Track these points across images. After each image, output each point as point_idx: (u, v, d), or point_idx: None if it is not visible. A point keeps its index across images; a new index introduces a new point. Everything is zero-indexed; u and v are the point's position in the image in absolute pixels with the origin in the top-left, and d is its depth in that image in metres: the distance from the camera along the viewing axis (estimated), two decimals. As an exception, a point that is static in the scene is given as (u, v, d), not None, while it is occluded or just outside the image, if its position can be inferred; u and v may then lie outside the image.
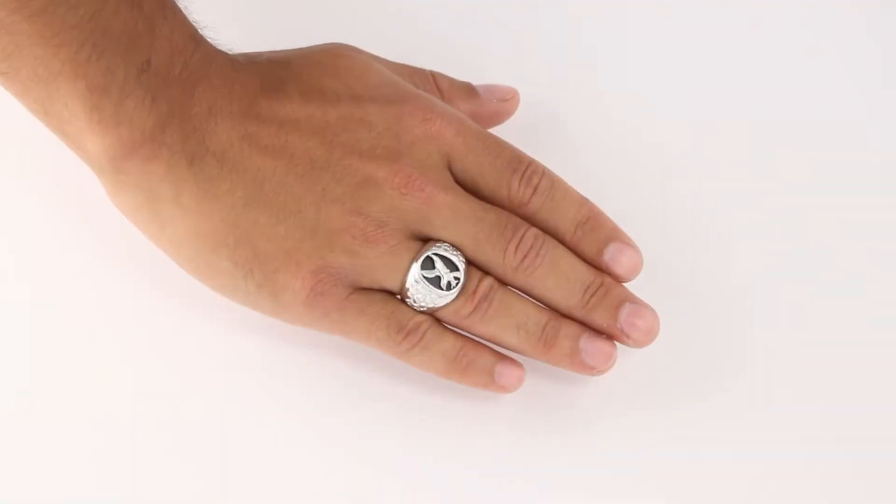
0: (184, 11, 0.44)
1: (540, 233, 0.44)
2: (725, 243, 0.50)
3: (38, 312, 0.46)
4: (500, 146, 0.45)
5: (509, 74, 0.51)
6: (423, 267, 0.43)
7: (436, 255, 0.44)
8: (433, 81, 0.49)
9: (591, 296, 0.44)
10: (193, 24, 0.44)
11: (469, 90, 0.50)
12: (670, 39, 0.55)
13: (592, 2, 0.56)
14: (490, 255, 0.44)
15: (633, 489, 0.45)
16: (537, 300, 0.45)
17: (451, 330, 0.45)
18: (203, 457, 0.44)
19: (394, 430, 0.45)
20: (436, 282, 0.43)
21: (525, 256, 0.44)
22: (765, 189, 0.51)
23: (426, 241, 0.44)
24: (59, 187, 0.48)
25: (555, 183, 0.45)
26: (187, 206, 0.43)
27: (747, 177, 0.51)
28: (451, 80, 0.49)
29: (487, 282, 0.44)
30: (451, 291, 0.44)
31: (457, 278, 0.44)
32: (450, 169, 0.45)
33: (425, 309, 0.44)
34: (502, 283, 0.45)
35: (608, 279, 0.45)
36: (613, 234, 0.45)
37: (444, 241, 0.44)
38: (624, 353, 0.45)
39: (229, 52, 0.45)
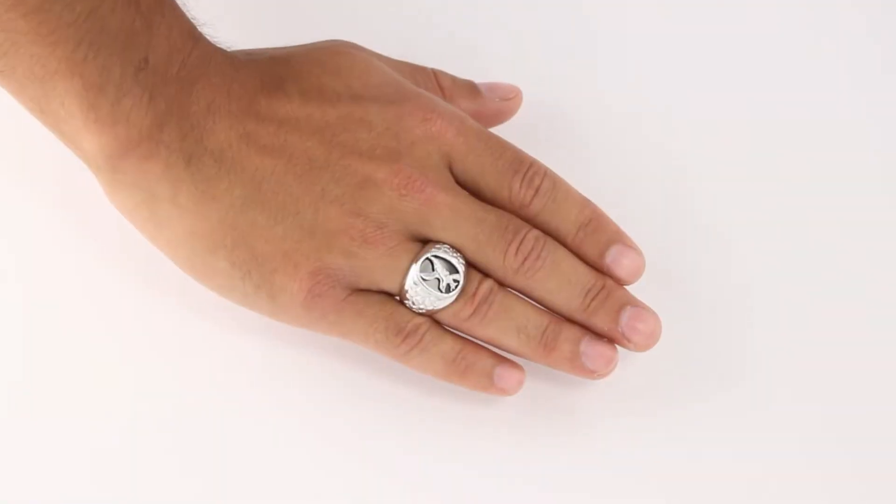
0: (182, 8, 0.43)
1: (541, 234, 0.44)
2: (728, 245, 0.49)
3: (36, 312, 0.46)
4: (502, 146, 0.44)
5: (512, 73, 0.50)
6: (423, 269, 0.43)
7: (435, 256, 0.43)
8: (435, 80, 0.48)
9: (593, 299, 0.44)
10: (192, 21, 0.43)
11: (471, 88, 0.49)
12: (671, 39, 0.55)
13: (595, 1, 0.55)
14: (490, 256, 0.43)
15: (633, 489, 0.44)
16: (538, 303, 0.44)
17: (451, 332, 0.44)
18: (203, 457, 0.44)
19: (394, 430, 0.45)
20: (435, 284, 0.43)
21: (526, 258, 0.43)
22: (765, 189, 0.51)
23: (426, 242, 0.43)
24: (57, 186, 0.48)
25: (556, 184, 0.44)
26: (185, 206, 0.42)
27: (748, 177, 0.51)
28: (453, 79, 0.49)
29: (487, 284, 0.43)
30: (451, 294, 0.43)
31: (456, 281, 0.43)
32: (450, 169, 0.44)
33: (424, 311, 0.43)
34: (503, 285, 0.44)
35: (609, 282, 0.44)
36: (615, 237, 0.44)
37: (444, 243, 0.43)
38: (624, 356, 0.45)
39: (228, 50, 0.44)
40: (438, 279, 0.43)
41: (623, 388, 0.46)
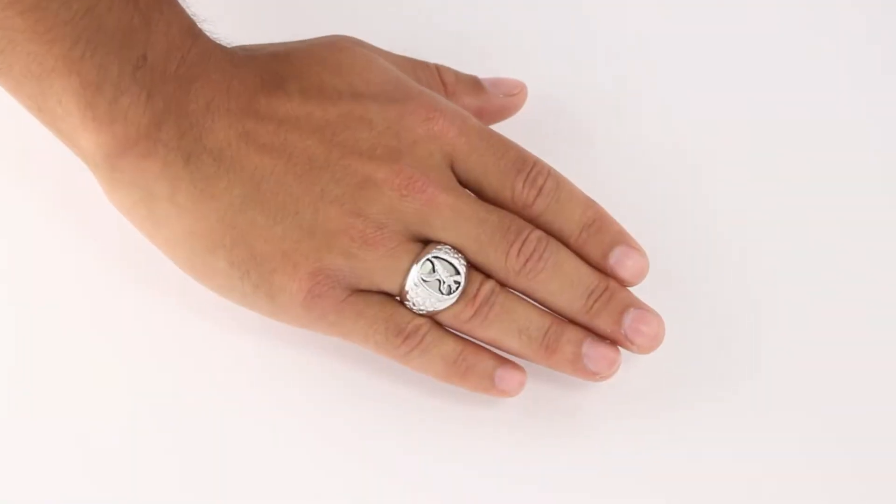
0: (182, 4, 0.42)
1: (543, 235, 0.42)
2: (728, 245, 0.49)
3: (35, 312, 0.45)
4: (505, 146, 0.43)
5: (517, 68, 0.50)
6: (423, 270, 0.42)
7: (436, 258, 0.42)
8: (438, 75, 0.47)
9: (595, 300, 0.43)
10: (192, 17, 0.42)
11: (475, 84, 0.47)
12: (671, 39, 0.54)
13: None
14: (492, 257, 0.42)
15: (634, 491, 0.43)
16: (540, 304, 0.43)
17: (452, 333, 0.43)
18: (203, 457, 0.43)
19: (394, 430, 0.44)
20: (436, 285, 0.42)
21: (528, 260, 0.42)
22: (765, 189, 0.50)
23: (427, 243, 0.42)
24: (57, 186, 0.47)
25: (560, 184, 0.43)
26: (183, 204, 0.41)
27: (748, 177, 0.50)
28: (457, 74, 0.47)
29: (488, 286, 0.42)
30: (452, 295, 0.42)
31: (457, 282, 0.42)
32: (452, 169, 0.43)
33: (425, 312, 0.42)
34: (505, 286, 0.43)
35: (613, 283, 0.43)
36: (619, 237, 0.43)
37: (445, 244, 0.42)
38: (626, 358, 0.44)
39: (229, 46, 0.43)
40: (439, 280, 0.42)
41: (625, 389, 0.45)
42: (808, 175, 0.50)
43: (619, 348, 0.43)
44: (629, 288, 0.43)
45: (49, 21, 0.38)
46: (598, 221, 0.43)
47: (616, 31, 0.54)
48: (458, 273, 0.42)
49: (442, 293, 0.41)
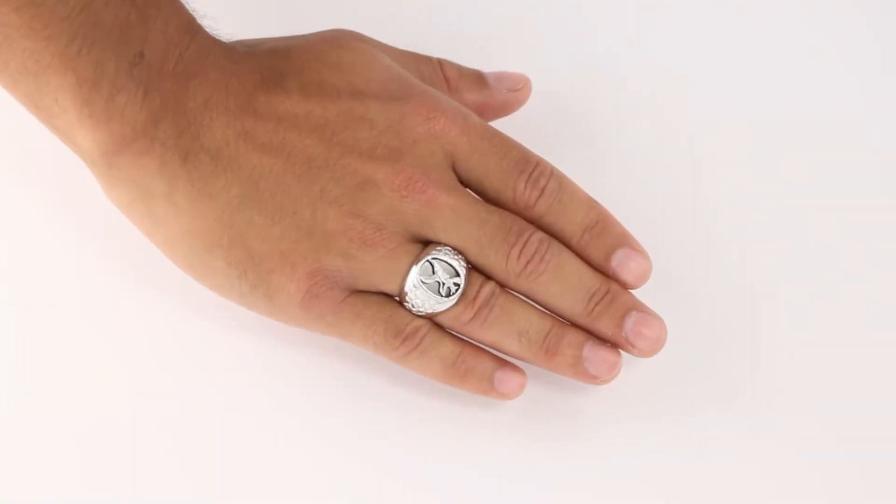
0: (180, 0, 0.40)
1: (545, 237, 0.41)
2: (730, 247, 0.48)
3: (35, 312, 0.44)
4: (507, 145, 0.42)
5: (520, 61, 0.48)
6: (423, 272, 0.40)
7: (436, 259, 0.40)
8: (440, 70, 0.45)
9: (597, 303, 0.41)
10: (191, 13, 0.41)
11: (478, 79, 0.46)
12: (673, 39, 0.53)
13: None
14: (493, 259, 0.41)
15: (634, 492, 0.42)
16: (541, 306, 0.42)
17: (451, 335, 0.42)
18: (202, 457, 0.42)
19: (394, 430, 0.43)
20: (435, 287, 0.40)
21: (529, 262, 0.41)
22: (765, 189, 0.49)
23: (427, 244, 0.41)
24: (57, 185, 0.46)
25: (563, 185, 0.42)
26: (181, 203, 0.40)
27: (748, 177, 0.49)
28: (460, 69, 0.46)
29: (488, 288, 0.41)
30: (451, 297, 0.40)
31: (457, 284, 0.40)
32: (454, 169, 0.42)
33: (424, 314, 0.41)
34: (506, 288, 0.41)
35: (615, 286, 0.42)
36: (622, 239, 0.42)
37: (446, 245, 0.41)
38: (627, 361, 0.43)
39: (228, 42, 0.42)
40: (439, 282, 0.40)
41: (625, 391, 0.44)
42: (808, 175, 0.49)
43: (621, 352, 0.42)
44: (632, 291, 0.42)
45: (45, 17, 0.36)
46: (601, 223, 0.42)
47: (616, 30, 0.53)
48: (457, 275, 0.40)
49: (441, 295, 0.40)
